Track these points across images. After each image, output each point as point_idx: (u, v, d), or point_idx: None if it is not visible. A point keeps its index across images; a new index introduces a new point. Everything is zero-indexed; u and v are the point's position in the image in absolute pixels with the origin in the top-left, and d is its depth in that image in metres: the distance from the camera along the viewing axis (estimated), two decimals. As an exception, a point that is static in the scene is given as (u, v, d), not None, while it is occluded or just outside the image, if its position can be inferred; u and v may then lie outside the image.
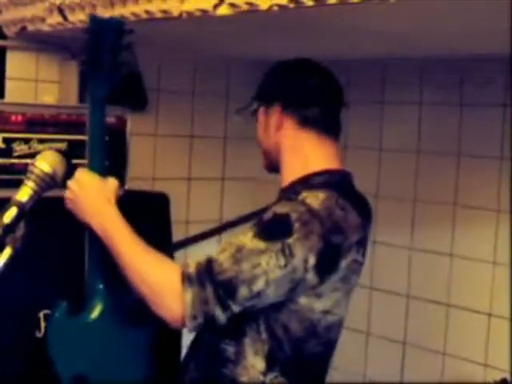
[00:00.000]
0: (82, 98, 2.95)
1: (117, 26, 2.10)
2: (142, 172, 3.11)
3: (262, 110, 2.14)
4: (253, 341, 1.97)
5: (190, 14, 2.09)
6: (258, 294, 1.86)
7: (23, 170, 2.05)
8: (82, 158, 2.62)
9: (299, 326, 1.95)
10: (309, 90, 2.10)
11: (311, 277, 1.89)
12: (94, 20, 2.10)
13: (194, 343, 2.14)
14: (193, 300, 1.85)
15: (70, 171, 2.55)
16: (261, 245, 1.86)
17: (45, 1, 2.59)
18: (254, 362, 1.97)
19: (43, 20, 2.62)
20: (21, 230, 1.82)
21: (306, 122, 2.08)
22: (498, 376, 2.62)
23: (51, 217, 2.32)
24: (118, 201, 2.09)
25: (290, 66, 2.14)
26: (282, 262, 1.85)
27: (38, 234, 2.04)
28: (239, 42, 2.71)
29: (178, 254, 2.71)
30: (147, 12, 2.22)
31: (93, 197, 2.07)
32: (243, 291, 1.85)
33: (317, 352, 2.01)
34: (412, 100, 3.01)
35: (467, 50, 2.47)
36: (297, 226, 1.86)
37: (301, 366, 2.00)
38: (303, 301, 1.93)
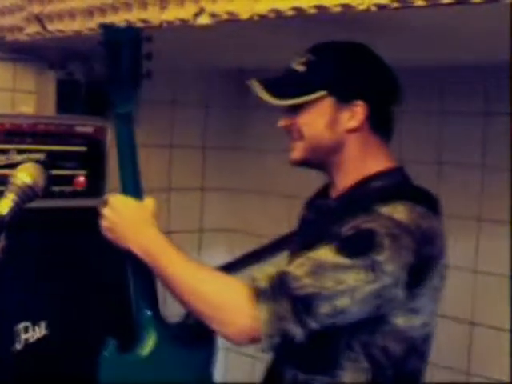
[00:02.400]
0: (59, 108, 2.93)
1: (134, 35, 1.97)
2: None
3: (330, 102, 1.89)
4: (352, 372, 1.84)
5: (170, 23, 2.08)
6: (342, 311, 1.74)
7: (1, 181, 2.03)
8: (61, 168, 2.63)
9: (398, 345, 1.84)
10: (391, 88, 1.93)
11: (401, 293, 1.77)
12: (109, 30, 1.97)
13: (270, 381, 2.04)
14: (269, 317, 1.73)
15: (49, 182, 2.54)
16: (345, 261, 1.73)
17: (23, 10, 2.57)
18: None
19: (21, 30, 2.59)
20: (1, 242, 1.80)
21: (379, 124, 1.93)
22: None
23: (31, 229, 2.31)
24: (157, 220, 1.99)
25: (365, 56, 1.91)
26: (371, 278, 1.72)
27: (18, 246, 2.02)
28: (219, 51, 2.70)
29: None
30: (127, 21, 2.21)
31: (131, 221, 1.96)
32: (325, 308, 1.73)
33: (416, 367, 1.91)
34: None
35: (452, 58, 2.48)
36: (386, 241, 1.73)
37: None
38: (401, 320, 1.81)
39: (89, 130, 2.71)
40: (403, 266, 1.75)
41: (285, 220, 3.23)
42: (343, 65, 1.90)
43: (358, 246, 1.75)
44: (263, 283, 1.77)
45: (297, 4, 1.77)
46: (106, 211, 1.99)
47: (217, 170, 3.57)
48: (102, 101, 2.97)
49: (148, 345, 1.98)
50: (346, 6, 1.68)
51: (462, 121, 2.82)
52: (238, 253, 3.56)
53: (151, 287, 2.02)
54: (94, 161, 2.73)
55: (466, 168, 2.81)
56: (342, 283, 1.72)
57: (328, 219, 1.92)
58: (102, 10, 2.28)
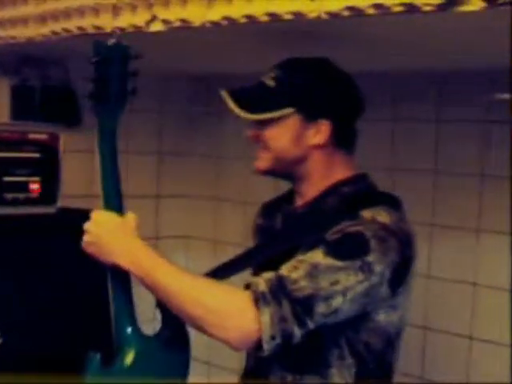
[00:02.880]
0: (14, 115, 2.91)
1: (123, 52, 1.92)
2: (78, 189, 3.07)
3: (297, 119, 1.95)
4: (339, 368, 1.92)
5: (122, 29, 2.08)
6: (335, 311, 1.80)
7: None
8: (14, 175, 2.61)
9: (378, 339, 1.93)
10: (356, 105, 2.01)
11: (384, 290, 1.85)
12: (99, 47, 1.91)
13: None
14: (271, 319, 1.76)
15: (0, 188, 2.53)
16: (337, 263, 1.80)
17: (-25, 17, 2.55)
18: None
19: (-27, 36, 2.57)
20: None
21: (343, 140, 2.00)
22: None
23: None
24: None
25: (332, 74, 1.97)
26: (361, 278, 1.80)
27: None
28: (174, 57, 2.70)
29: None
30: (80, 28, 2.20)
31: (116, 235, 1.90)
32: (321, 308, 1.78)
33: (391, 360, 1.99)
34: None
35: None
36: (373, 243, 1.82)
37: (381, 377, 1.97)
38: (382, 317, 1.90)
39: (42, 136, 2.70)
40: (389, 265, 1.83)
41: (240, 226, 3.25)
42: (311, 83, 1.96)
43: (348, 248, 1.82)
44: (262, 287, 1.79)
45: (249, 12, 1.78)
46: (89, 226, 1.93)
47: (172, 177, 3.57)
48: (57, 107, 2.97)
49: (127, 359, 1.95)
50: (297, 14, 1.70)
51: (413, 127, 2.84)
52: (195, 260, 3.57)
53: (130, 302, 1.98)
54: (47, 167, 2.71)
55: (418, 173, 2.84)
56: (337, 284, 1.79)
57: (301, 226, 2.00)
58: (55, 17, 2.28)
